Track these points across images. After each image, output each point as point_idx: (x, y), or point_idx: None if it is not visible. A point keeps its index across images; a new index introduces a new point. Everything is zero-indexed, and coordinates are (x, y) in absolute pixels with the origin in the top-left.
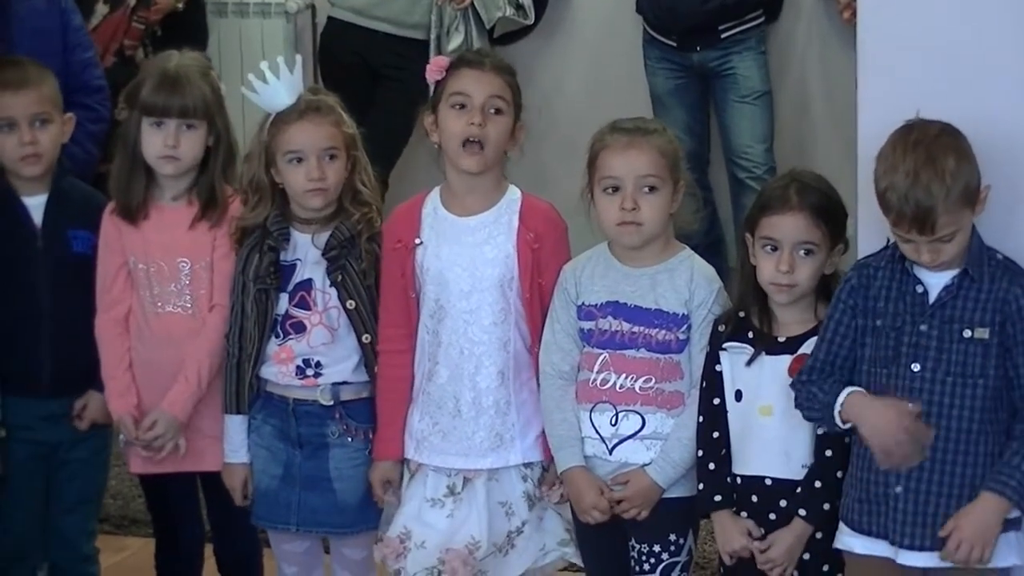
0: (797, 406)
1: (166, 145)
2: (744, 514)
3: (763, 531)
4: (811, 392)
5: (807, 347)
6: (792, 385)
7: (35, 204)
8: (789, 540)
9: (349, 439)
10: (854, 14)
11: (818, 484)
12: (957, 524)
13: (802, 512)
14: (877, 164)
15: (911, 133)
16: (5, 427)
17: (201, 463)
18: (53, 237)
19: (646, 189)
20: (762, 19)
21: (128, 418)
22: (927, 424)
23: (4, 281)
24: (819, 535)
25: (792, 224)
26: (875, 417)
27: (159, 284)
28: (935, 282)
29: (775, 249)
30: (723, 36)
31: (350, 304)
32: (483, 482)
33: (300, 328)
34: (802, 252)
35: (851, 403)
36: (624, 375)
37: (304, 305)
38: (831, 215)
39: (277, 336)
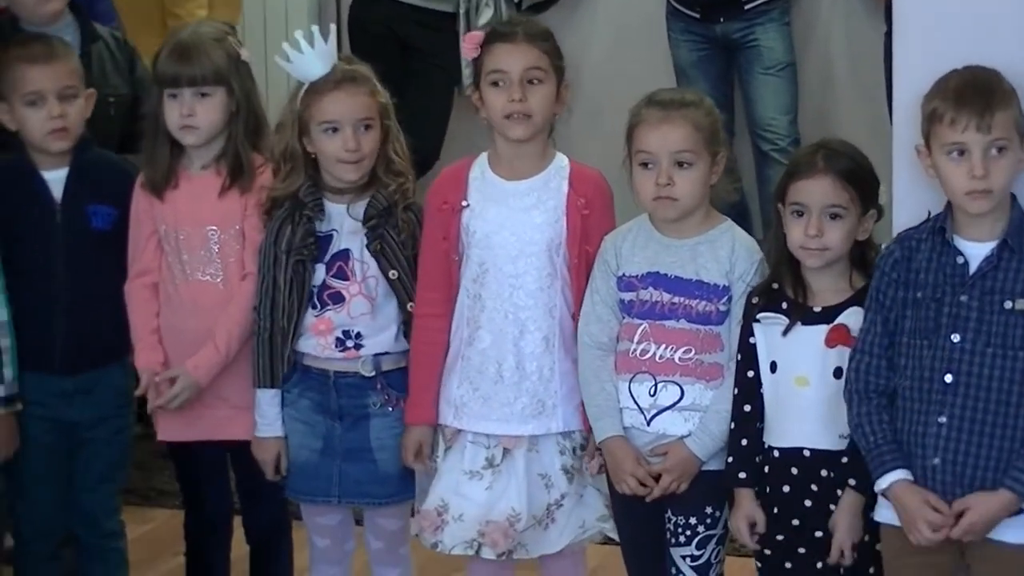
0: (846, 390)
1: (182, 115)
2: (787, 488)
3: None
4: (862, 412)
5: (844, 317)
6: (850, 365)
7: (55, 178)
8: (847, 518)
9: (390, 408)
10: None
11: None
12: (972, 506)
13: (852, 482)
14: (924, 101)
15: (956, 71)
16: (21, 401)
17: (227, 431)
18: (72, 212)
19: (680, 164)
20: None
21: (148, 373)
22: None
23: (21, 256)
24: None
25: (819, 188)
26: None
27: (188, 251)
28: (976, 252)
29: (803, 214)
30: (746, 7)
31: (392, 274)
32: (522, 453)
33: (338, 299)
34: (830, 216)
35: (894, 494)
36: (664, 346)
37: (342, 275)
38: (860, 179)
39: (314, 307)
